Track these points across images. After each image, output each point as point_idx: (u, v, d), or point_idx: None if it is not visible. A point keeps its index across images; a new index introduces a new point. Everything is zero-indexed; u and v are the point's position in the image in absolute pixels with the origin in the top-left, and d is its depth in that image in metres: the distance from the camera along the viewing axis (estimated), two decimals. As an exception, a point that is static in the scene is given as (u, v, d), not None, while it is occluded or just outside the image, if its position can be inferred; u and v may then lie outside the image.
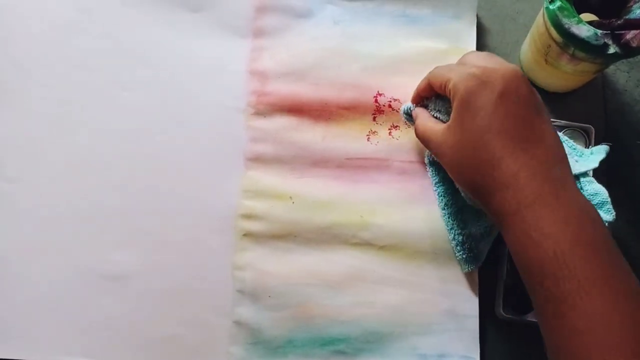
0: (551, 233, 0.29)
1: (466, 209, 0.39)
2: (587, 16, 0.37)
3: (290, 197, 0.41)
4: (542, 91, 0.43)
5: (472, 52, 0.36)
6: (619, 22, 0.34)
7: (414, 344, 0.39)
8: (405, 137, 0.42)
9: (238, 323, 0.39)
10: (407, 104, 0.39)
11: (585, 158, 0.39)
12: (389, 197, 0.41)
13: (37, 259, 0.40)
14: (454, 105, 0.33)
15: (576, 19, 0.34)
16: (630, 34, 0.34)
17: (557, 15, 0.35)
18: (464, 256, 0.39)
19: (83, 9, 0.43)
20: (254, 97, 0.42)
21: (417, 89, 0.38)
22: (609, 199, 0.37)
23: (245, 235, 0.40)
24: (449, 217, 0.39)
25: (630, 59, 0.44)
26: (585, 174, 0.38)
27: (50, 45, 0.43)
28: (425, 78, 0.37)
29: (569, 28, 0.34)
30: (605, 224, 0.31)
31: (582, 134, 0.41)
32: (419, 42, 0.43)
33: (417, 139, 0.37)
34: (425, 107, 0.38)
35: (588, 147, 0.41)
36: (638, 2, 0.35)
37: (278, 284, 0.39)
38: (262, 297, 0.39)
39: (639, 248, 0.40)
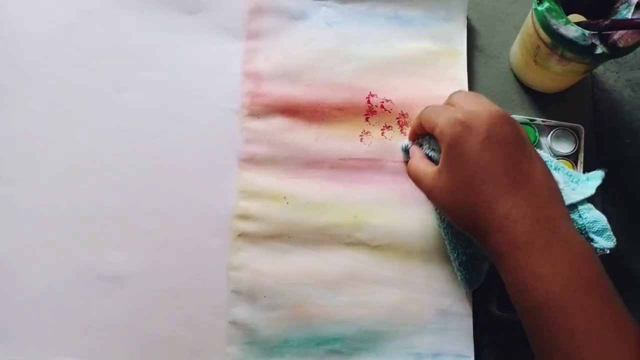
0: (542, 274, 0.29)
1: None
2: (575, 17, 0.38)
3: (285, 198, 0.41)
4: (532, 91, 0.44)
5: (460, 91, 0.36)
6: (606, 22, 0.35)
7: (409, 343, 0.39)
8: (398, 137, 0.42)
9: (234, 323, 0.39)
10: (405, 141, 0.40)
11: (581, 184, 0.38)
12: (383, 198, 0.41)
13: (37, 259, 0.40)
14: (442, 150, 0.33)
15: (564, 20, 0.35)
16: (617, 35, 0.34)
17: (545, 17, 0.35)
18: (466, 276, 0.38)
19: (82, 10, 0.43)
20: (249, 98, 0.42)
21: (412, 127, 0.38)
22: (608, 226, 0.36)
23: (240, 235, 0.40)
24: (451, 237, 0.38)
25: (619, 59, 0.45)
26: (583, 202, 0.37)
27: (50, 46, 0.43)
28: (417, 117, 0.37)
29: (557, 29, 0.35)
30: (599, 261, 0.31)
31: (572, 133, 0.42)
32: (411, 44, 0.43)
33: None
34: (420, 145, 0.38)
35: (577, 147, 0.41)
36: (625, 3, 0.35)
37: (273, 284, 0.40)
38: (258, 297, 0.39)
39: (629, 245, 0.40)
